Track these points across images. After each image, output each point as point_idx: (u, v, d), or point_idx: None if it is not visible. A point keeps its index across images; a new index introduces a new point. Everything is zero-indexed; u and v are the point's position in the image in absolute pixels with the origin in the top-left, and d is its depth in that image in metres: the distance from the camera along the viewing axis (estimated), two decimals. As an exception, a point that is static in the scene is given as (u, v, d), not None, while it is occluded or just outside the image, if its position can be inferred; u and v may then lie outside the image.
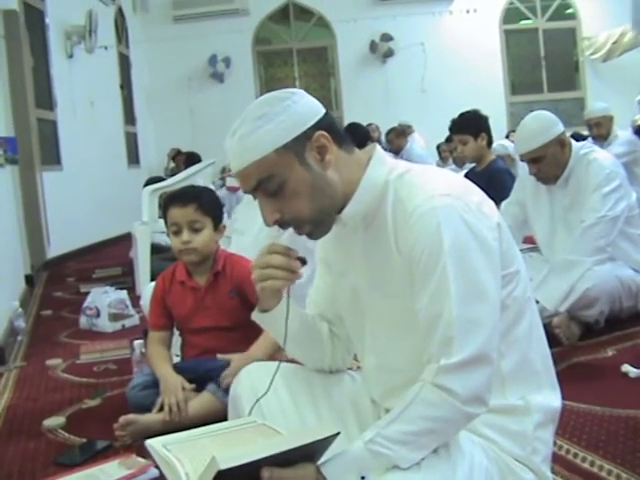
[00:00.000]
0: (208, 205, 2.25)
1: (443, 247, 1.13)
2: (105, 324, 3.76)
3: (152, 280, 3.11)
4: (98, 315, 3.79)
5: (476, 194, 1.23)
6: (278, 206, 1.22)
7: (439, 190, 1.17)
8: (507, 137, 8.60)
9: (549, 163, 2.87)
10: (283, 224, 1.24)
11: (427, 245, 1.14)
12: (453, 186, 1.20)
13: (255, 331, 2.21)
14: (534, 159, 2.87)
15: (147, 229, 4.46)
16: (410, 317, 1.19)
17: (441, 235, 1.13)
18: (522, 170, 3.51)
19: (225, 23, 10.39)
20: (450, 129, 3.91)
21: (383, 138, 8.82)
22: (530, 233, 3.24)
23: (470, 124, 3.79)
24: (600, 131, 5.01)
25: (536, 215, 3.10)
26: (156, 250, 4.52)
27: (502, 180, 3.63)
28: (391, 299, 1.25)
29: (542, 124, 2.85)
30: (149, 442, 1.23)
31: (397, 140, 7.93)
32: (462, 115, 3.87)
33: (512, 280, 1.24)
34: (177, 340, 2.47)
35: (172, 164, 9.32)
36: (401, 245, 1.19)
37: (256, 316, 1.39)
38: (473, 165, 3.97)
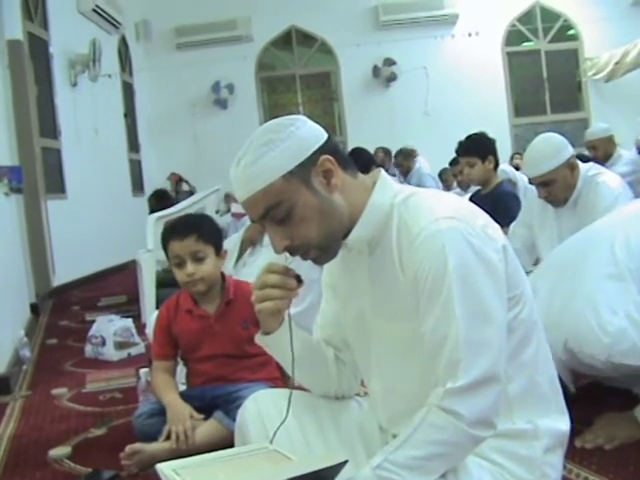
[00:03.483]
0: (208, 233, 2.26)
1: (448, 269, 1.14)
2: (111, 353, 3.76)
3: (157, 308, 3.11)
4: (104, 344, 3.79)
5: (481, 217, 1.24)
6: (287, 232, 1.23)
7: (444, 213, 1.19)
8: (511, 159, 8.63)
9: (559, 186, 2.86)
10: (293, 250, 1.25)
11: (432, 267, 1.16)
12: (458, 209, 1.22)
13: (263, 357, 2.22)
14: (544, 182, 2.86)
15: (152, 256, 4.47)
16: (416, 341, 1.20)
17: (446, 257, 1.15)
18: (530, 193, 3.50)
19: (228, 50, 10.49)
20: (457, 151, 3.92)
21: (392, 164, 8.83)
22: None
23: (478, 146, 3.80)
24: (597, 153, 5.02)
25: (543, 237, 3.10)
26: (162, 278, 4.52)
27: (508, 203, 3.64)
28: (397, 323, 1.26)
29: (552, 147, 2.84)
30: (159, 466, 1.24)
31: (405, 162, 7.97)
32: (470, 137, 3.89)
33: (518, 302, 1.25)
34: (182, 370, 2.47)
35: (173, 189, 9.39)
36: (406, 268, 1.21)
37: (259, 339, 1.41)
38: (478, 188, 3.99)
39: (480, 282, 1.15)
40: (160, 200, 5.54)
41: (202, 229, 2.25)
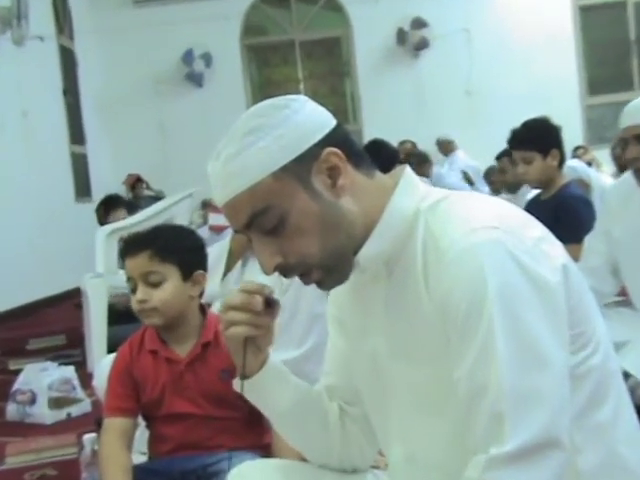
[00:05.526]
0: (167, 249, 2.26)
1: (488, 295, 1.16)
2: (43, 413, 3.76)
3: (111, 352, 3.12)
4: (33, 401, 3.79)
5: (534, 228, 1.26)
6: (278, 247, 1.26)
7: (484, 221, 1.21)
8: (574, 152, 8.60)
9: None
10: (287, 271, 1.28)
11: (467, 293, 1.17)
12: (503, 217, 1.23)
13: (253, 419, 2.22)
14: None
15: (102, 283, 4.49)
16: (447, 391, 1.22)
17: (485, 279, 1.16)
18: (609, 195, 3.46)
19: (204, 6, 10.54)
20: (509, 142, 3.95)
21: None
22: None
23: (538, 137, 3.81)
24: None
25: (627, 247, 2.99)
26: (115, 312, 4.53)
27: (578, 211, 3.64)
28: (422, 367, 1.27)
29: None
30: None
31: (419, 168, 8.01)
32: (527, 125, 3.90)
33: (588, 343, 1.26)
34: (143, 433, 2.48)
35: (130, 194, 9.43)
36: (433, 293, 1.22)
37: (235, 384, 1.44)
38: (537, 192, 4.01)
39: (531, 313, 1.16)
40: (111, 209, 5.56)
41: (158, 243, 2.26)
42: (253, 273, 3.10)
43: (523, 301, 1.17)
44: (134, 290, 2.29)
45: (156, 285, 2.26)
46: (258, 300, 1.31)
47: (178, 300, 2.28)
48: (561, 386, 1.18)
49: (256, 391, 1.41)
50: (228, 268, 3.23)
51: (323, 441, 1.49)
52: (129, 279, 2.30)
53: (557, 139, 3.85)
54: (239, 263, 3.27)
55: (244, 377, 1.40)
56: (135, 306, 2.28)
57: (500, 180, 5.96)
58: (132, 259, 2.27)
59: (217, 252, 3.13)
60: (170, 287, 2.26)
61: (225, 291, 3.15)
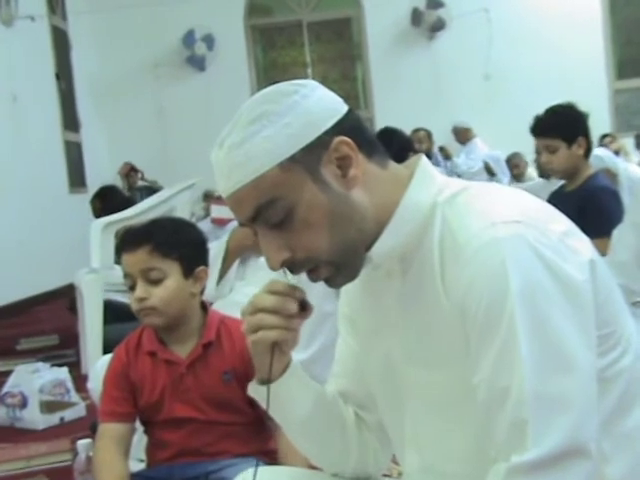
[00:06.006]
0: (169, 244, 2.27)
1: (510, 293, 1.16)
2: (34, 417, 3.77)
3: (106, 353, 3.13)
4: (24, 405, 3.81)
5: (559, 222, 1.26)
6: (286, 241, 1.27)
7: (505, 215, 1.21)
8: (601, 140, 8.58)
9: None
10: (295, 266, 1.29)
11: (487, 291, 1.18)
12: (526, 210, 1.24)
13: (258, 424, 2.23)
14: None
15: (98, 279, 4.50)
16: (466, 396, 1.22)
17: (507, 276, 1.16)
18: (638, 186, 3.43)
19: (206, -15, 10.56)
20: (532, 130, 3.94)
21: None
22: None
23: (563, 124, 3.81)
24: None
25: None
26: (112, 310, 4.55)
27: (605, 203, 3.65)
28: (439, 370, 1.28)
29: None
30: None
31: (427, 144, 8.02)
32: (551, 111, 3.89)
33: (616, 344, 1.26)
34: (141, 440, 2.49)
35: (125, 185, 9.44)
36: (451, 291, 1.23)
37: (253, 390, 1.43)
38: (560, 184, 4.00)
39: (556, 311, 1.17)
40: (107, 201, 5.57)
41: (158, 237, 2.26)
42: (257, 280, 3.10)
43: (547, 299, 1.17)
44: (132, 287, 2.29)
45: (156, 282, 2.25)
46: (294, 304, 1.31)
47: (179, 298, 2.28)
48: (588, 390, 1.18)
49: (277, 397, 1.40)
50: (224, 269, 3.23)
51: (341, 448, 1.50)
52: (126, 276, 2.29)
53: (584, 126, 3.85)
54: (235, 264, 3.27)
55: (266, 382, 1.38)
56: (134, 305, 2.28)
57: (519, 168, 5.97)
58: (131, 254, 2.27)
59: (213, 253, 3.12)
60: (171, 284, 2.26)
61: (220, 294, 3.16)
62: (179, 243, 2.31)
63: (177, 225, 2.44)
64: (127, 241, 2.31)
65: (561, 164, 3.84)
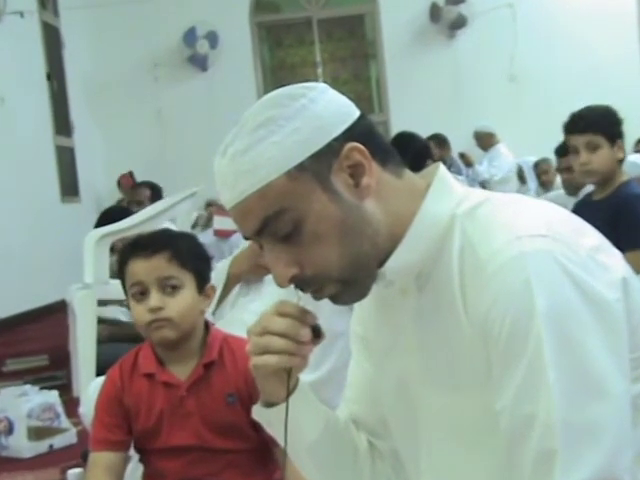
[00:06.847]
0: (188, 254, 2.28)
1: (535, 313, 1.16)
2: (21, 445, 3.78)
3: (100, 374, 3.12)
4: (10, 431, 3.82)
5: (589, 236, 1.26)
6: (294, 256, 1.26)
7: (530, 228, 1.21)
8: (636, 146, 8.58)
9: None
10: (304, 283, 1.28)
11: (511, 310, 1.17)
12: (552, 223, 1.23)
13: (264, 452, 2.23)
14: None
15: (91, 295, 4.49)
16: (487, 422, 1.22)
17: (532, 294, 1.16)
18: None
19: (209, -21, 10.58)
20: (567, 128, 3.86)
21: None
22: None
23: (607, 121, 3.77)
24: None
25: None
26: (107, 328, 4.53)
27: (638, 214, 3.64)
28: (458, 394, 1.27)
29: None
30: None
31: (438, 152, 8.00)
32: (590, 108, 3.85)
33: (650, 369, 1.25)
34: (137, 468, 2.47)
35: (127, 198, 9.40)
36: (471, 309, 1.23)
37: (258, 413, 1.43)
38: (587, 192, 3.98)
39: (586, 333, 1.16)
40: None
41: (178, 246, 2.28)
42: (262, 297, 3.10)
43: (576, 320, 1.17)
44: (141, 297, 2.26)
45: (172, 293, 2.25)
46: (307, 330, 1.30)
47: (193, 313, 2.29)
48: (621, 419, 1.17)
49: (280, 420, 1.38)
50: (224, 295, 3.25)
51: (352, 478, 1.49)
52: (135, 284, 2.27)
53: (621, 130, 3.81)
54: (236, 289, 3.29)
55: (272, 405, 1.39)
56: (144, 316, 2.25)
57: (567, 178, 5.90)
58: (145, 260, 2.25)
59: (214, 276, 3.14)
60: (188, 296, 2.26)
61: (218, 318, 3.16)
62: (195, 255, 2.33)
63: (190, 237, 2.45)
64: (141, 246, 2.29)
65: (601, 165, 3.71)
